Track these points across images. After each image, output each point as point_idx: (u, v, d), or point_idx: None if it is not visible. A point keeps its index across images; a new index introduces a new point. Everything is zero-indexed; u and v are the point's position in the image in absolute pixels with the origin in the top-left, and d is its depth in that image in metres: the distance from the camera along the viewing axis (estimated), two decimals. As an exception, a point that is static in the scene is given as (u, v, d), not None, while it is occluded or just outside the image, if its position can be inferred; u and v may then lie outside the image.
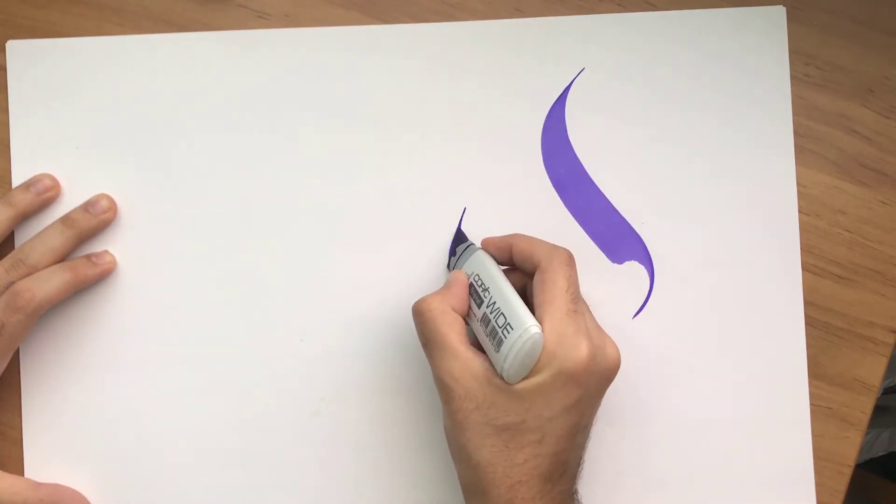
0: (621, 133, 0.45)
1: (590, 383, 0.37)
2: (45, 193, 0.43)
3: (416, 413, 0.44)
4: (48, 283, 0.41)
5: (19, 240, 0.44)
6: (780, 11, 0.45)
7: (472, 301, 0.40)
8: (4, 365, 0.43)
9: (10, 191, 0.44)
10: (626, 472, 0.44)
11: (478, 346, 0.39)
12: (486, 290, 0.39)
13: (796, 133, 0.45)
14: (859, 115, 0.45)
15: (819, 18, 0.45)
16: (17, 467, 0.44)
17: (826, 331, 0.45)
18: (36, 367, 0.44)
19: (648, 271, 0.45)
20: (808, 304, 0.44)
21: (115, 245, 0.44)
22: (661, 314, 0.44)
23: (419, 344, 0.42)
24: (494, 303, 0.38)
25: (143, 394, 0.44)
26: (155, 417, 0.44)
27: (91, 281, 0.43)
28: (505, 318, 0.37)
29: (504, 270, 0.40)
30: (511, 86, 0.45)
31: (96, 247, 0.44)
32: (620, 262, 0.45)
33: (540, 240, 0.41)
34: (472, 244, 0.43)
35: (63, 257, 0.43)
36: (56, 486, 0.43)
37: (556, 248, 0.39)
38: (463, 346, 0.38)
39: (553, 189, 0.45)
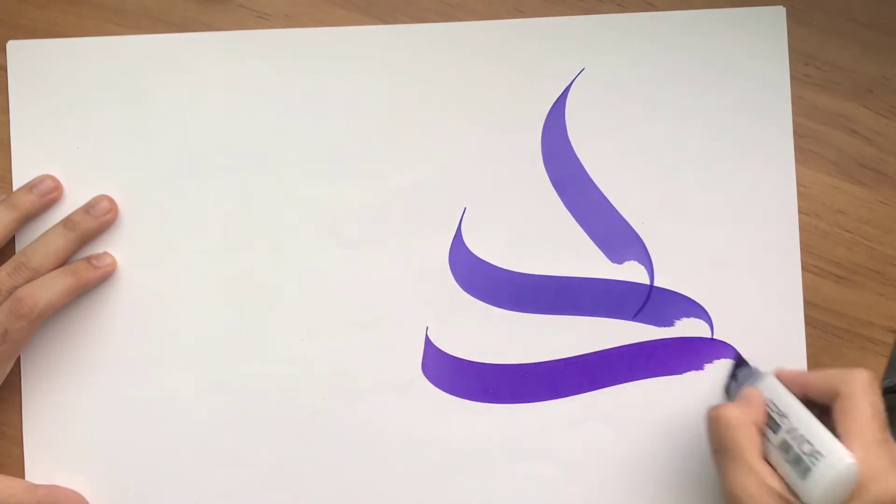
0: (621, 133, 0.45)
1: None
2: (48, 195, 0.43)
3: (416, 412, 0.44)
4: (51, 289, 0.41)
5: (19, 242, 0.44)
6: (779, 11, 0.45)
7: (767, 427, 0.39)
8: (7, 370, 0.43)
9: (13, 193, 0.44)
10: (625, 472, 0.44)
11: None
12: (783, 416, 0.38)
13: (796, 133, 0.45)
14: (859, 115, 0.45)
15: (819, 18, 0.45)
16: (17, 467, 0.44)
17: (826, 331, 0.45)
18: (36, 367, 0.44)
19: (648, 271, 0.45)
20: (808, 304, 0.44)
21: (115, 246, 0.44)
22: (660, 314, 0.44)
23: (419, 345, 0.42)
24: (796, 429, 0.37)
25: (144, 394, 0.44)
26: (155, 417, 0.44)
27: (93, 284, 0.43)
28: (811, 444, 0.36)
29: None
30: (511, 86, 0.45)
31: (96, 248, 0.44)
32: (620, 262, 0.45)
33: (835, 369, 0.39)
34: (757, 370, 0.43)
35: (65, 260, 0.43)
36: (53, 486, 0.43)
37: (855, 372, 0.38)
38: (760, 461, 0.37)
39: (553, 189, 0.45)
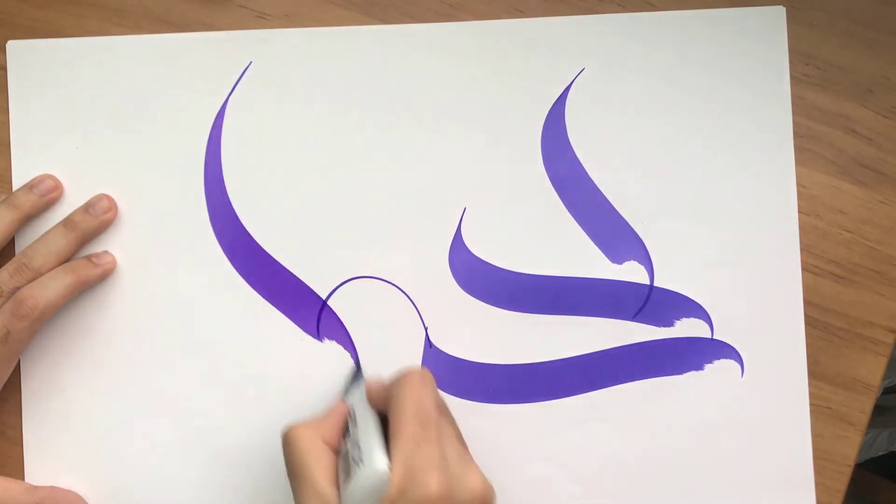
0: (621, 133, 0.45)
1: None
2: (48, 195, 0.44)
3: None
4: (51, 288, 0.41)
5: (19, 242, 0.44)
6: (779, 11, 0.45)
7: (343, 438, 0.38)
8: (9, 372, 0.43)
9: (14, 193, 0.44)
10: (625, 473, 0.44)
11: None
12: (354, 421, 0.38)
13: (796, 133, 0.45)
14: (859, 115, 0.45)
15: (819, 18, 0.45)
16: (16, 468, 0.44)
17: (826, 331, 0.45)
18: (36, 367, 0.44)
19: (648, 271, 0.45)
20: (808, 304, 0.44)
21: (114, 245, 0.44)
22: (660, 314, 0.44)
23: (419, 346, 0.42)
24: (356, 436, 0.37)
25: (143, 394, 0.44)
26: (155, 417, 0.44)
27: (93, 282, 0.43)
28: (360, 451, 0.36)
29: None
30: (511, 86, 0.45)
31: (96, 247, 0.44)
32: (620, 262, 0.45)
33: (397, 374, 0.38)
34: (361, 376, 0.43)
35: (66, 260, 0.43)
36: (52, 488, 0.43)
37: (407, 372, 0.37)
38: (327, 482, 0.35)
39: (553, 189, 0.45)
